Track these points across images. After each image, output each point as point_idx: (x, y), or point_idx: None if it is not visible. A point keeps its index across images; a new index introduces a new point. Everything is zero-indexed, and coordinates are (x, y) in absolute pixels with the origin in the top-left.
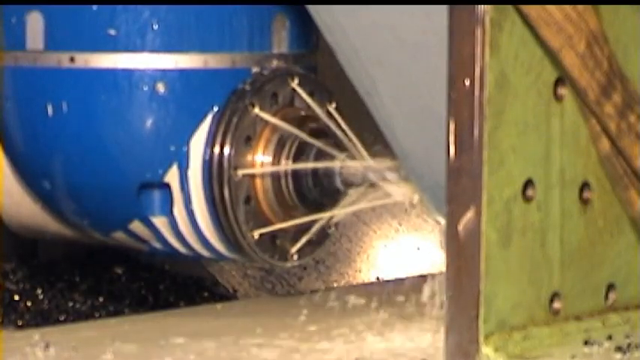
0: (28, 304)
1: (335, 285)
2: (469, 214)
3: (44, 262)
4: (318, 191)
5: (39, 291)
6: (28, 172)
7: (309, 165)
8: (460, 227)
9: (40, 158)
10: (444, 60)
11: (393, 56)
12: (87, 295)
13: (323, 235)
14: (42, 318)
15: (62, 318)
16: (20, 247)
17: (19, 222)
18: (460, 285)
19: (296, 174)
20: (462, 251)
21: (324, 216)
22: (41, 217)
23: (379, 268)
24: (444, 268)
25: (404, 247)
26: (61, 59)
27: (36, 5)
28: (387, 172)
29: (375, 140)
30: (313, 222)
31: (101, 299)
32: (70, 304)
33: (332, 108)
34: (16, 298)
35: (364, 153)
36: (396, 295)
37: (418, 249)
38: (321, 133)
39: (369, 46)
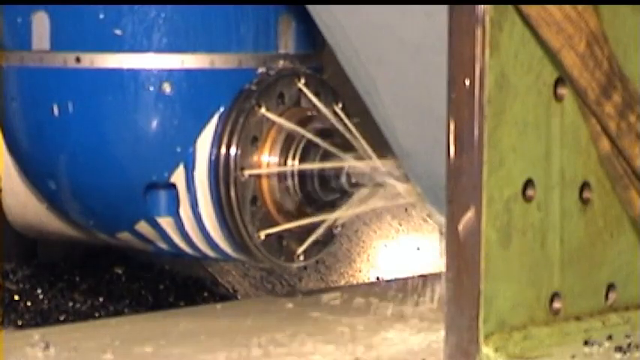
0: (28, 304)
1: (335, 285)
2: (469, 214)
3: (44, 262)
4: (324, 192)
5: (39, 291)
6: (33, 173)
7: (316, 165)
8: (460, 227)
9: (46, 158)
10: (444, 60)
11: (393, 56)
12: (87, 295)
13: (329, 235)
14: (42, 318)
15: (62, 318)
16: (20, 247)
17: (24, 222)
18: (460, 285)
19: (302, 174)
20: (462, 251)
21: (330, 217)
22: (46, 218)
23: (379, 268)
24: (444, 268)
25: (404, 247)
26: (67, 59)
27: (42, 5)
28: (394, 172)
29: (383, 140)
30: (320, 223)
31: (101, 299)
32: (70, 304)
33: (338, 108)
34: (16, 298)
35: (371, 153)
36: (396, 295)
37: (418, 249)
38: (328, 133)
39: (369, 46)
